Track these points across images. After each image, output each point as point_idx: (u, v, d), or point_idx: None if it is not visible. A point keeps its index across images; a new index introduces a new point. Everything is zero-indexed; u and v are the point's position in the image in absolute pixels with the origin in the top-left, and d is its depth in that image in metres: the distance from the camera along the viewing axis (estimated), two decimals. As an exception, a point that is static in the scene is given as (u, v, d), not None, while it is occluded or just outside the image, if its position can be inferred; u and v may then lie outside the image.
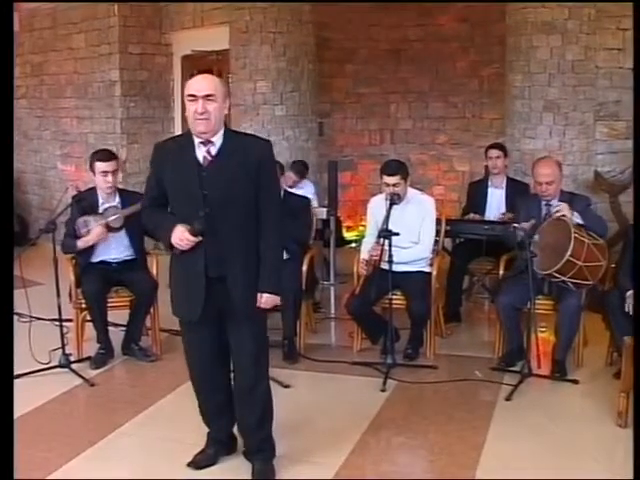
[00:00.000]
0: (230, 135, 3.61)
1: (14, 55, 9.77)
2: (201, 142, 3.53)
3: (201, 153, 3.54)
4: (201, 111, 3.44)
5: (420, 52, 8.73)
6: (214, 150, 3.54)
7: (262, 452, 3.85)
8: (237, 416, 3.88)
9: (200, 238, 3.49)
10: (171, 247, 3.60)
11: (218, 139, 3.54)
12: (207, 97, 3.45)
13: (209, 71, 8.86)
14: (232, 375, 3.86)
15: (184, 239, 3.49)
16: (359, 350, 5.69)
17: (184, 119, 9.24)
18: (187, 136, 3.61)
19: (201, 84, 3.50)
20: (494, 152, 6.49)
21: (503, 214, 6.27)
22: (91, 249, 5.50)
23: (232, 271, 3.57)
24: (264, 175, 3.57)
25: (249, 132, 7.74)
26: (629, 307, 4.80)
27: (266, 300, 3.64)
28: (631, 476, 3.46)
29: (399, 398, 4.88)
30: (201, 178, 3.51)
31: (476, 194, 6.64)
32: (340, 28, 8.81)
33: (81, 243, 5.42)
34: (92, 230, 5.40)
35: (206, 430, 4.00)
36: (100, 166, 5.47)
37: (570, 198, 5.40)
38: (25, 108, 10.80)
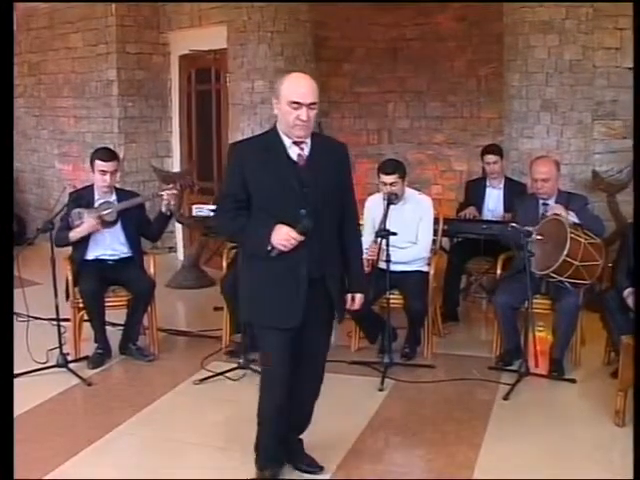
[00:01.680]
0: (314, 136, 3.58)
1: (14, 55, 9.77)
2: (293, 142, 3.47)
3: (294, 152, 3.47)
4: (306, 119, 3.38)
5: (418, 51, 8.71)
6: (306, 150, 3.49)
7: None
8: (299, 404, 3.84)
9: (303, 237, 3.40)
10: (267, 250, 3.43)
11: (308, 139, 3.51)
12: (311, 105, 3.40)
13: (207, 70, 8.92)
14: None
15: (290, 238, 3.37)
16: (357, 349, 5.69)
17: (181, 118, 9.35)
18: (273, 135, 3.52)
19: (306, 91, 3.40)
20: (491, 158, 6.48)
21: (503, 217, 6.27)
22: (86, 245, 5.51)
23: (330, 271, 3.56)
24: (347, 176, 3.62)
25: (248, 131, 7.79)
26: (631, 304, 4.82)
27: (359, 300, 3.69)
28: (629, 475, 3.47)
29: (397, 397, 4.89)
30: (300, 177, 3.44)
31: (474, 193, 6.64)
32: (337, 27, 8.79)
33: (73, 234, 5.42)
34: (85, 221, 5.40)
35: (203, 429, 4.00)
36: (100, 165, 5.49)
37: (567, 197, 5.41)
38: (23, 107, 10.79)
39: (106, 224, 5.47)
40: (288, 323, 3.51)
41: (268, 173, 3.45)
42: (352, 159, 3.72)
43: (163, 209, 5.59)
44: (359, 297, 3.68)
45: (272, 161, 3.47)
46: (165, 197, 5.56)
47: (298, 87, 3.41)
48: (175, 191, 5.69)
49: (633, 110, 6.06)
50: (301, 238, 3.37)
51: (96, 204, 5.54)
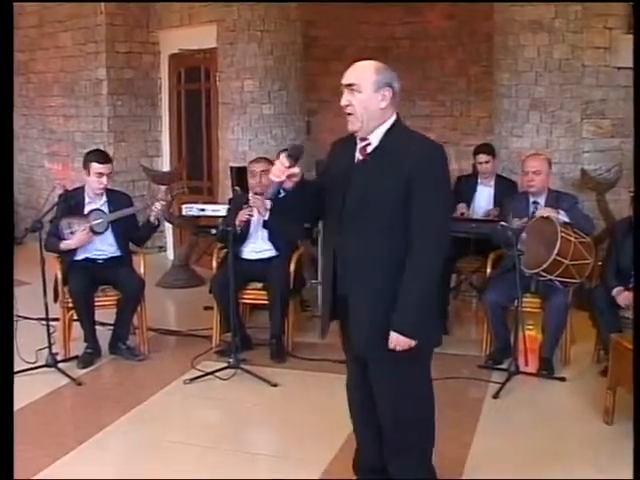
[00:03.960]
0: (392, 133, 3.07)
1: (13, 55, 9.72)
2: (361, 138, 3.10)
3: (358, 150, 3.12)
4: (343, 103, 3.03)
5: (407, 50, 8.72)
6: (370, 149, 3.08)
7: None
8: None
9: (293, 167, 2.97)
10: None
11: (376, 137, 3.07)
12: (349, 87, 3.02)
13: (197, 69, 8.89)
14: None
15: (278, 163, 2.98)
16: (347, 348, 5.68)
17: (171, 117, 9.33)
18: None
19: (348, 71, 3.05)
20: (483, 157, 6.48)
21: (489, 211, 6.29)
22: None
23: (355, 291, 3.06)
24: (418, 185, 2.95)
25: (238, 130, 7.77)
26: (620, 303, 4.85)
27: (396, 341, 2.99)
28: (619, 474, 3.48)
29: (387, 396, 4.88)
30: (349, 177, 3.07)
31: (465, 188, 6.61)
32: (327, 26, 8.79)
33: (64, 245, 5.43)
34: (75, 234, 5.40)
35: (193, 428, 3.98)
36: (97, 167, 5.47)
37: (557, 197, 5.43)
38: (11, 106, 10.76)
39: (96, 234, 5.47)
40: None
41: (334, 172, 3.17)
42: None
43: (151, 219, 5.57)
44: (395, 337, 2.98)
45: (341, 159, 3.18)
46: (156, 209, 5.54)
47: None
48: (165, 202, 5.70)
49: (633, 110, 6.07)
50: (285, 163, 2.97)
51: (86, 209, 5.53)
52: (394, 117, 3.09)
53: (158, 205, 5.56)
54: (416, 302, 2.99)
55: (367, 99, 3.01)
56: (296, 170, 3.00)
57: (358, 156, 3.11)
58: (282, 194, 3.03)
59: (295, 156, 3.00)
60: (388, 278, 3.01)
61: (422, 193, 2.95)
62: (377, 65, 3.06)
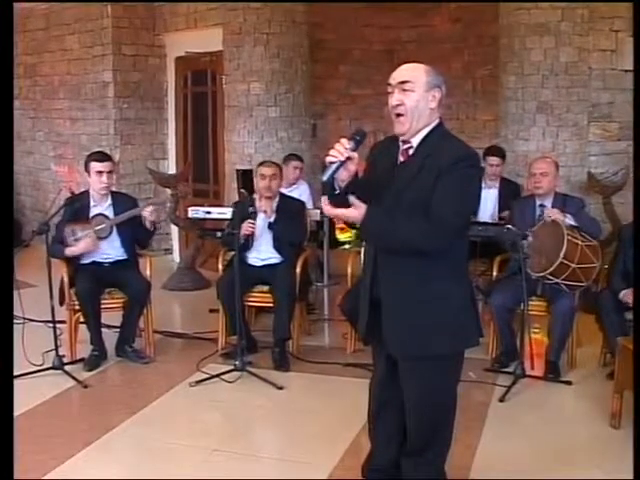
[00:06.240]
0: (433, 135, 3.03)
1: (14, 56, 9.75)
2: (403, 140, 3.06)
3: (400, 152, 3.08)
4: (394, 103, 2.98)
5: (414, 53, 8.70)
6: (412, 150, 3.04)
7: None
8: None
9: (352, 149, 2.87)
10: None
11: (418, 139, 3.03)
12: (401, 86, 2.97)
13: (204, 72, 8.91)
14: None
15: (338, 146, 2.87)
16: (353, 351, 5.69)
17: (177, 120, 9.34)
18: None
19: (398, 71, 3.00)
20: (495, 160, 6.51)
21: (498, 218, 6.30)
22: (82, 250, 5.51)
23: (392, 290, 3.04)
24: (441, 187, 2.88)
25: (244, 133, 7.78)
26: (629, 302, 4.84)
27: (327, 202, 2.91)
28: (627, 476, 3.47)
29: (393, 399, 4.87)
30: (392, 179, 3.02)
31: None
32: (333, 29, 8.81)
33: (69, 252, 5.44)
34: (80, 241, 5.41)
35: (199, 431, 3.98)
36: (95, 166, 5.50)
37: (564, 200, 5.43)
38: (18, 109, 10.77)
39: (100, 238, 5.48)
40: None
41: (376, 172, 3.11)
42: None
43: (147, 224, 5.57)
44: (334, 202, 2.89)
45: (383, 161, 3.12)
46: (146, 215, 5.52)
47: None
48: (153, 207, 5.62)
49: (633, 112, 6.07)
50: (347, 145, 2.87)
51: (91, 212, 5.55)
52: (438, 120, 3.05)
53: (148, 209, 5.54)
54: (387, 231, 2.93)
55: (419, 98, 2.97)
56: (355, 154, 2.90)
57: (400, 158, 3.07)
58: (337, 190, 2.92)
59: (358, 140, 2.92)
60: (424, 277, 2.99)
61: (442, 194, 2.88)
62: (426, 67, 3.04)
